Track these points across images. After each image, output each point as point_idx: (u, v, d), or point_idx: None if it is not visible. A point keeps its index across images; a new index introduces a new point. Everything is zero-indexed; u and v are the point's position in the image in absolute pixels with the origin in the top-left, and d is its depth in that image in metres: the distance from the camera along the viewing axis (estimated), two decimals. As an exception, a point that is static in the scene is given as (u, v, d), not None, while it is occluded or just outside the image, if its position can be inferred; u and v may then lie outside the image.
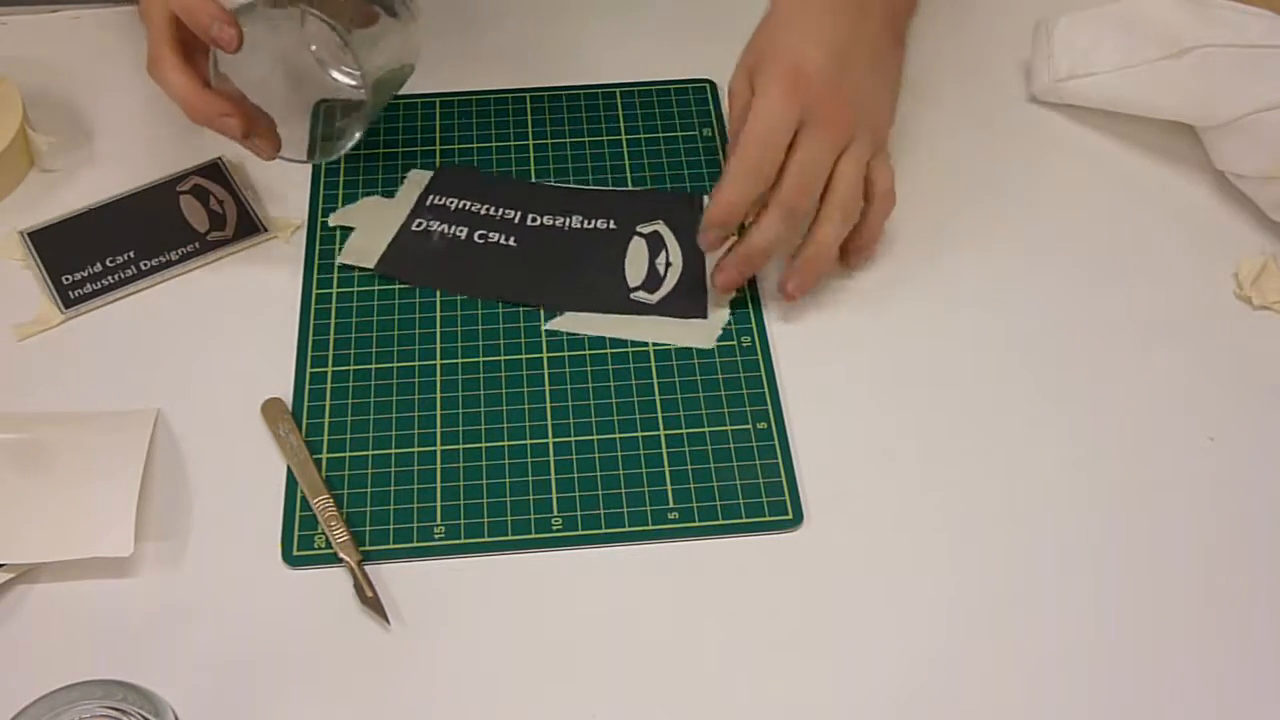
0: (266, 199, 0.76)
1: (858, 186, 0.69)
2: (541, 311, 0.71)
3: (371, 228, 0.74)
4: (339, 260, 0.72)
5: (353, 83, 0.72)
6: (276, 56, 0.72)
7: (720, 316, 0.71)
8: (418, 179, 0.76)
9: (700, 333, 0.70)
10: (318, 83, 0.73)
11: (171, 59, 0.67)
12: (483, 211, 0.75)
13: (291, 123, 0.71)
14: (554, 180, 0.77)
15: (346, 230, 0.74)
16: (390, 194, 0.76)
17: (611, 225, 0.74)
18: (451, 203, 0.75)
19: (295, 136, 0.71)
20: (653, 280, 0.72)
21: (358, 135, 0.71)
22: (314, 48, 0.72)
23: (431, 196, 0.75)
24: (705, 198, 0.75)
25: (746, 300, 0.72)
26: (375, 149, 0.79)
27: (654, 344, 0.70)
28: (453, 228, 0.74)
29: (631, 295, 0.72)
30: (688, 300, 0.71)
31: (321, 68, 0.72)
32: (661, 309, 0.71)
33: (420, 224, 0.74)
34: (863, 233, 0.71)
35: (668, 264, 0.73)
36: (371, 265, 0.72)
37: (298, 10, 0.68)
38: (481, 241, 0.73)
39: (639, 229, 0.74)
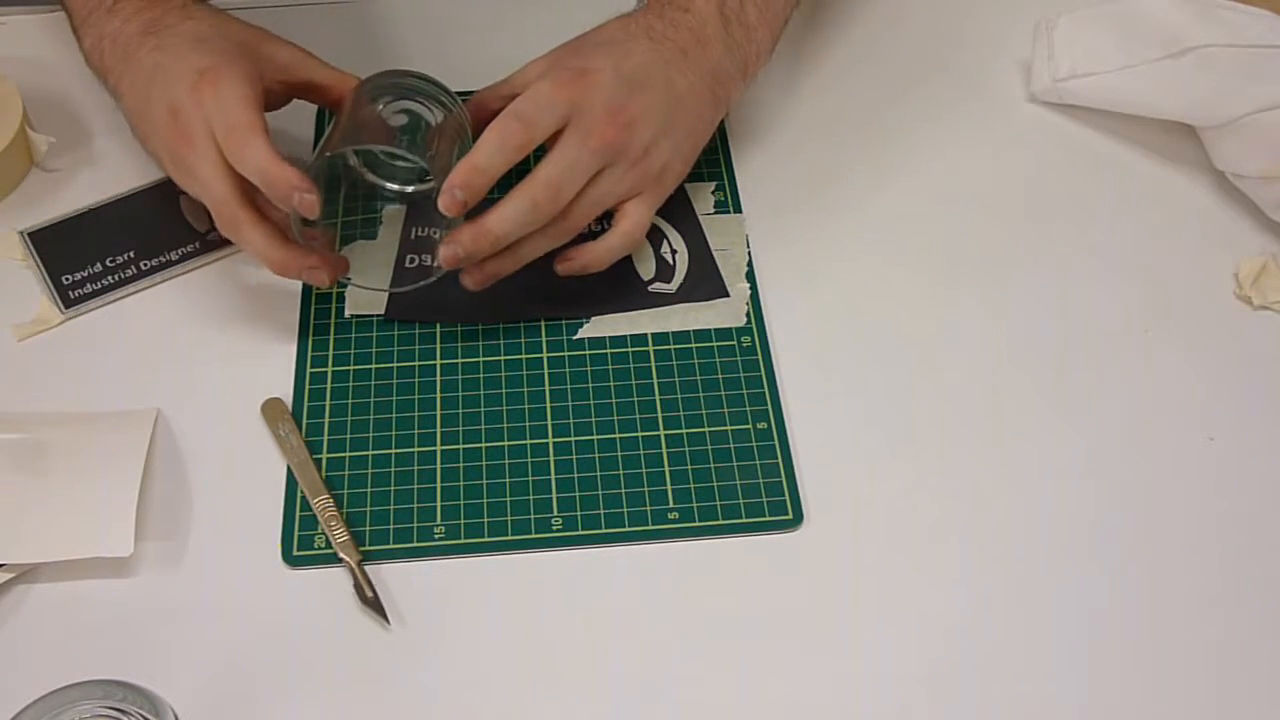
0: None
1: (591, 213, 0.68)
2: (563, 323, 0.71)
3: (366, 274, 0.72)
4: (348, 313, 0.71)
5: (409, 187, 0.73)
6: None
7: (741, 292, 0.72)
8: (393, 215, 0.75)
9: (729, 312, 0.71)
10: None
11: (248, 217, 0.64)
12: None
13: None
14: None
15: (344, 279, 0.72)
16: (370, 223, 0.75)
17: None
18: (435, 232, 0.74)
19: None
20: (665, 270, 0.72)
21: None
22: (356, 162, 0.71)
23: (414, 230, 0.74)
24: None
25: (747, 300, 0.72)
26: (375, 149, 0.79)
27: (693, 331, 0.70)
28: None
29: (650, 288, 0.72)
30: (705, 282, 0.72)
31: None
32: (682, 296, 0.72)
33: (413, 260, 0.73)
34: (583, 252, 0.69)
35: (673, 251, 0.73)
36: (381, 312, 0.71)
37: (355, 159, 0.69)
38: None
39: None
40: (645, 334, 0.70)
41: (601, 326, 0.71)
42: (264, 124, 0.63)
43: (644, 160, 0.68)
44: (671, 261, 0.73)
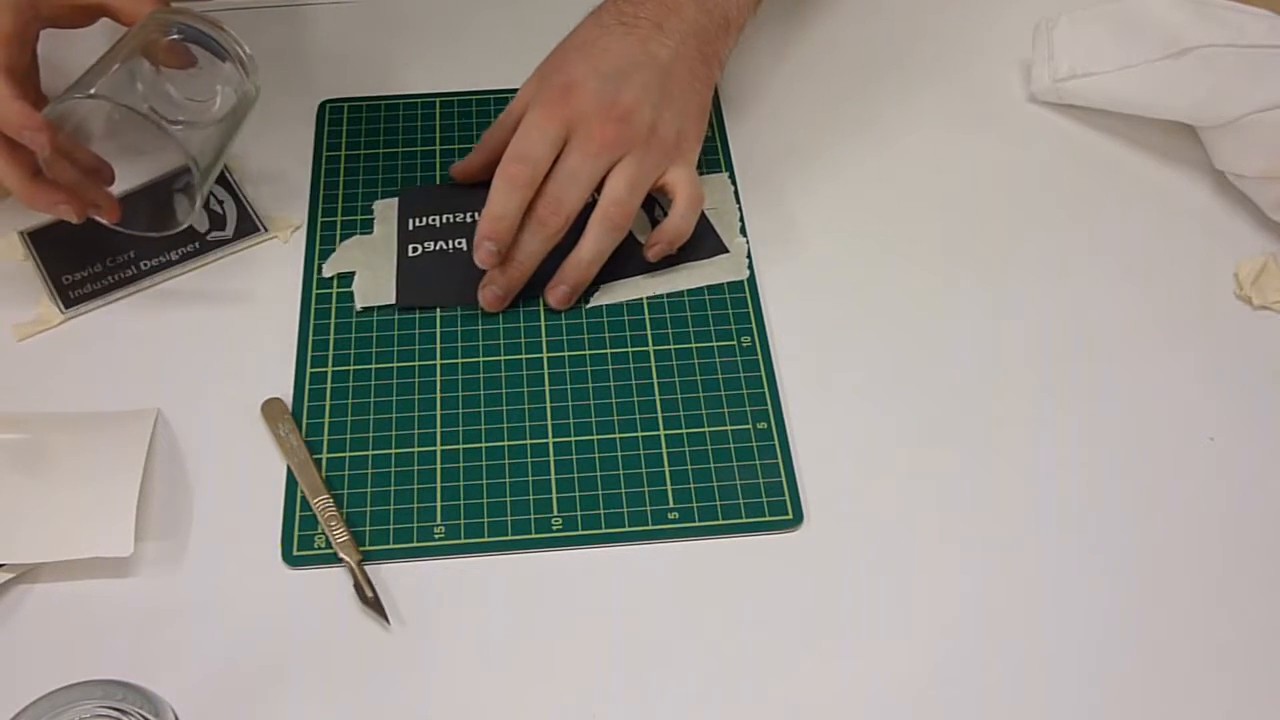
0: (266, 199, 0.76)
1: (623, 202, 0.69)
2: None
3: (370, 266, 0.73)
4: (359, 306, 0.71)
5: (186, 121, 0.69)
6: (114, 126, 0.71)
7: (740, 246, 0.74)
8: (385, 209, 0.75)
9: (731, 266, 0.73)
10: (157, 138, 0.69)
11: None
12: (469, 219, 0.74)
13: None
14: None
15: (345, 276, 0.73)
16: (368, 223, 0.75)
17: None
18: (434, 220, 0.74)
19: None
20: None
21: (201, 192, 0.69)
22: (148, 107, 0.67)
23: (411, 220, 0.74)
24: None
25: (747, 301, 0.72)
26: (376, 149, 0.79)
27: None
28: (450, 242, 0.73)
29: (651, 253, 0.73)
30: (704, 240, 0.73)
31: (158, 126, 0.67)
32: (684, 256, 0.73)
33: (415, 249, 0.73)
34: (663, 233, 0.71)
35: (665, 214, 0.73)
36: (392, 300, 0.71)
37: (105, 102, 0.66)
38: None
39: (655, 213, 0.74)
40: (646, 334, 0.70)
41: (612, 293, 0.71)
42: (6, 60, 0.64)
43: (654, 137, 0.70)
44: None
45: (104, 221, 0.70)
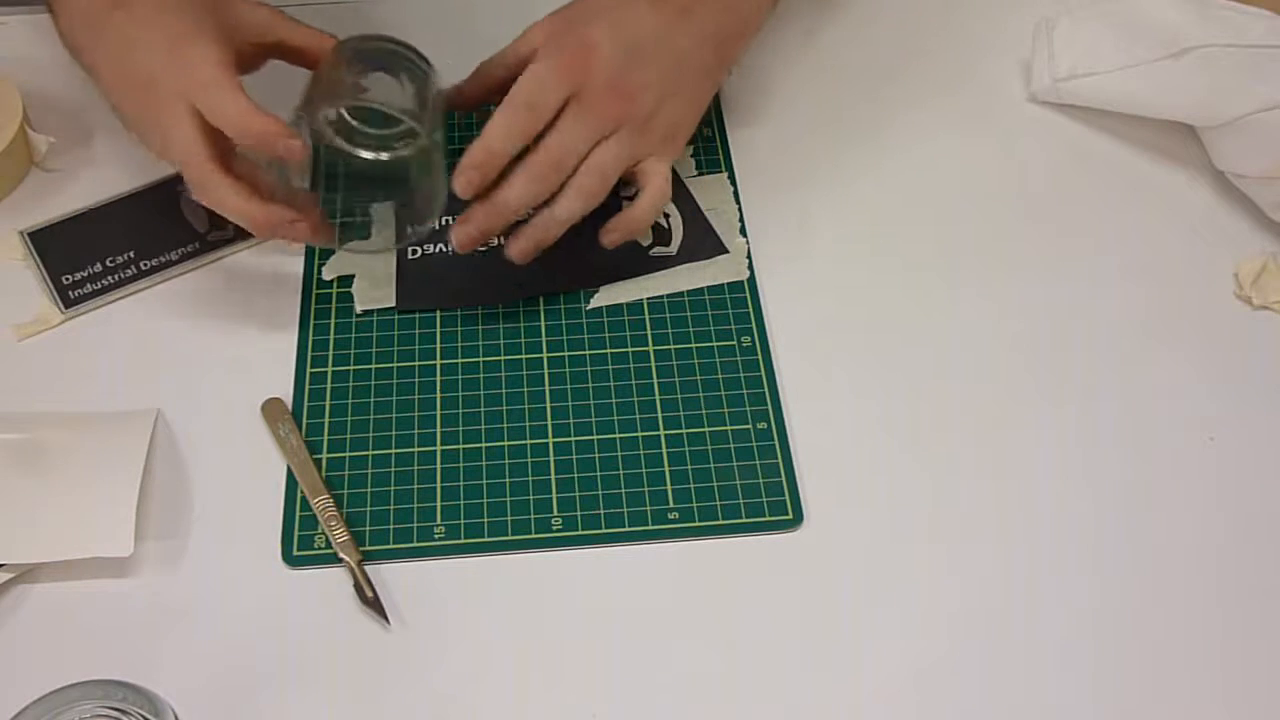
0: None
1: (605, 174, 0.68)
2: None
3: (370, 269, 0.73)
4: (358, 309, 0.71)
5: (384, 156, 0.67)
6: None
7: (740, 247, 0.74)
8: (385, 213, 0.74)
9: (731, 267, 0.73)
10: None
11: (220, 179, 0.64)
12: None
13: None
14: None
15: (345, 277, 0.73)
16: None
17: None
18: (435, 223, 0.74)
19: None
20: (662, 235, 0.73)
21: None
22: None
23: (409, 226, 0.73)
24: None
25: (747, 301, 0.72)
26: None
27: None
28: (450, 245, 0.73)
29: (651, 253, 0.73)
30: (704, 242, 0.74)
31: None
32: (684, 257, 0.73)
33: (416, 252, 0.73)
34: (622, 221, 0.70)
35: (667, 216, 0.73)
36: (392, 304, 0.71)
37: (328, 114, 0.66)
38: (485, 248, 0.73)
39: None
40: (646, 335, 0.70)
41: (613, 294, 0.72)
42: (238, 82, 0.64)
43: (650, 124, 0.69)
44: (667, 225, 0.74)
45: (313, 244, 0.70)
